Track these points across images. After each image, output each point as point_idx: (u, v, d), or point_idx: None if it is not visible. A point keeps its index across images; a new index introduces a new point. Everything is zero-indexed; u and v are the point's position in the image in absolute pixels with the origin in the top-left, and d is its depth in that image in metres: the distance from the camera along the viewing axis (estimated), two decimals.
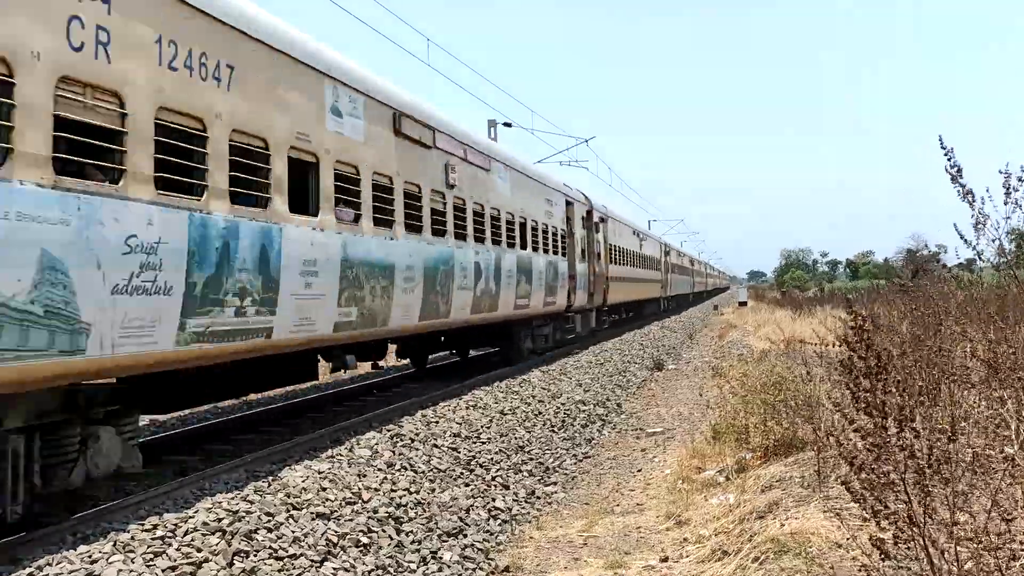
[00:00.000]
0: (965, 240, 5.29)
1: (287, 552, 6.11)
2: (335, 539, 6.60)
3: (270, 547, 6.09)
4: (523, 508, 9.13)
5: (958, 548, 3.35)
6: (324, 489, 7.50)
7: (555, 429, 13.18)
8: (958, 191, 4.80)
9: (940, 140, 4.68)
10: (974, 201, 4.93)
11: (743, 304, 60.86)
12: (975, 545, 3.34)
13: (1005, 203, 4.84)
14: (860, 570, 4.35)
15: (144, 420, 11.22)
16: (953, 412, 5.82)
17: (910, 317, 8.04)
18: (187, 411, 12.92)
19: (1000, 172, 4.75)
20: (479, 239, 15.31)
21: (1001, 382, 5.00)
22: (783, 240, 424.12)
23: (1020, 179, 4.73)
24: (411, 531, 7.36)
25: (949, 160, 4.70)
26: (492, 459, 10.39)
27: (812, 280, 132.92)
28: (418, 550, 7.07)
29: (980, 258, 5.59)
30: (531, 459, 11.13)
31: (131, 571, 5.23)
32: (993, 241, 5.13)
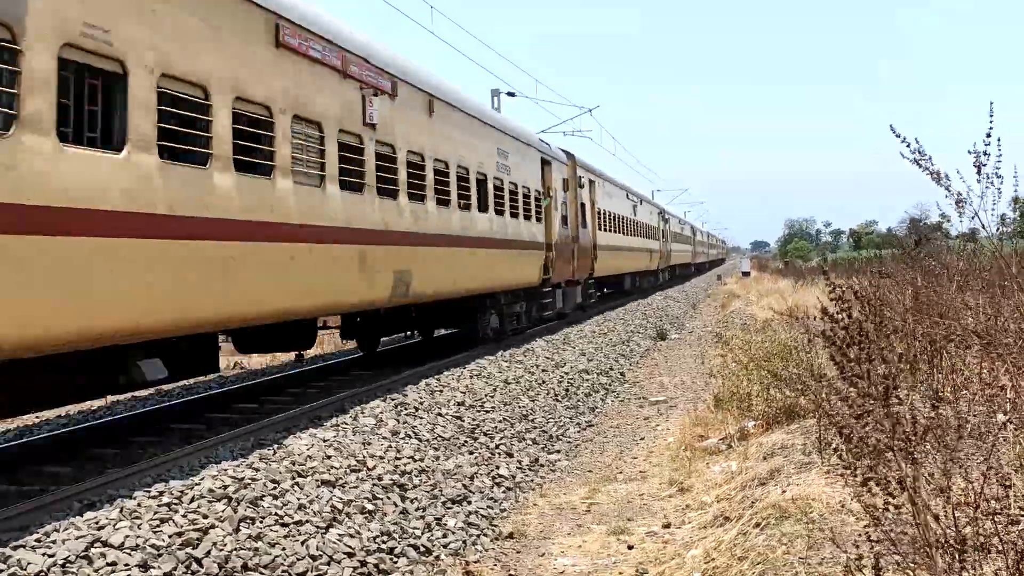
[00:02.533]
0: (944, 216, 5.40)
1: (293, 519, 6.17)
2: (340, 506, 6.66)
3: (276, 514, 6.15)
4: (527, 476, 9.20)
5: (956, 513, 3.38)
6: (329, 457, 7.56)
7: (559, 398, 13.25)
8: (927, 175, 4.88)
9: (892, 128, 4.72)
10: (942, 181, 4.99)
11: (746, 275, 60.87)
12: (972, 510, 3.37)
13: (978, 181, 4.90)
14: (859, 535, 4.39)
15: (150, 391, 11.34)
16: (954, 379, 5.85)
17: (912, 288, 8.05)
18: (192, 380, 13.01)
19: (969, 152, 4.80)
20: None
21: (996, 349, 5.03)
22: (787, 210, 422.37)
23: (986, 154, 4.74)
24: (416, 498, 7.43)
25: (908, 146, 4.75)
26: (496, 427, 10.45)
27: (815, 250, 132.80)
28: (423, 517, 7.14)
29: (984, 228, 5.61)
30: (535, 427, 11.20)
31: (138, 536, 5.29)
32: (972, 218, 5.17)
